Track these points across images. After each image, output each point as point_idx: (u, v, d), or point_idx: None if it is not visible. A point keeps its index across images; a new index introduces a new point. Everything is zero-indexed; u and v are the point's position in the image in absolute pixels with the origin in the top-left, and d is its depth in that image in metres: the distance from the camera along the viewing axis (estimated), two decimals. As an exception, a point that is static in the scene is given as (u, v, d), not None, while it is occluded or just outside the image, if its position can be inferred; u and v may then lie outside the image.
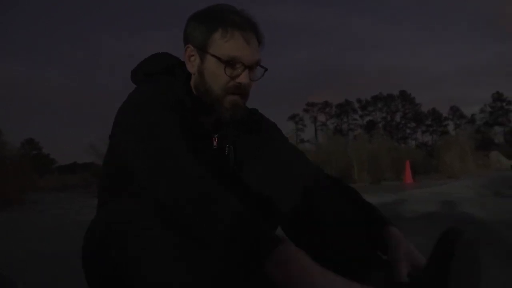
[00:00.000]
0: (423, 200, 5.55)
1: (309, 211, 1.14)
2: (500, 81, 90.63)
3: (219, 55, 1.11)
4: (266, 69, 1.18)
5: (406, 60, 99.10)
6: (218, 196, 0.88)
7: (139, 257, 0.87)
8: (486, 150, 18.48)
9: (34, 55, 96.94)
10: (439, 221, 3.78)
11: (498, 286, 1.13)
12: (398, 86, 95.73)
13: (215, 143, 1.20)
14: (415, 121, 68.58)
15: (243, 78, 1.12)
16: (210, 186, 0.90)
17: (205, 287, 0.83)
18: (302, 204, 1.14)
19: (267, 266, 0.79)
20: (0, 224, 5.33)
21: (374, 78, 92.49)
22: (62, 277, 2.18)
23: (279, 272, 0.79)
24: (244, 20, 1.13)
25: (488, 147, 25.23)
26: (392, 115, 69.57)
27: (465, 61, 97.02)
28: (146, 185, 0.94)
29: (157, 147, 0.96)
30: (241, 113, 1.18)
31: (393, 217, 4.18)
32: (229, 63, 1.11)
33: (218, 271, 0.84)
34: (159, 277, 0.85)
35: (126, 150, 1.01)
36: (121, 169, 1.07)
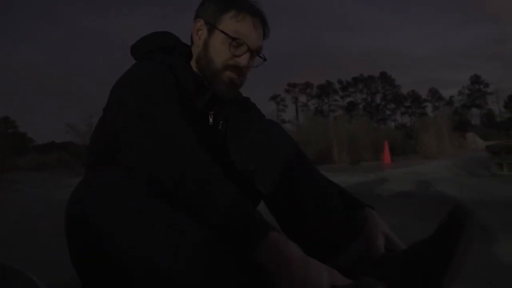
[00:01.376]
0: (400, 180, 5.66)
1: (290, 188, 1.17)
2: (479, 63, 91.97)
3: (227, 31, 1.17)
4: (265, 59, 1.24)
5: (386, 42, 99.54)
6: (213, 178, 0.90)
7: (123, 226, 0.86)
8: (463, 132, 18.82)
9: (6, 31, 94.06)
10: (415, 200, 3.86)
11: (470, 261, 1.19)
12: (379, 67, 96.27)
13: (210, 120, 1.24)
14: (394, 102, 69.26)
15: (243, 59, 1.18)
16: (207, 166, 0.92)
17: (191, 260, 0.82)
18: (284, 181, 1.17)
19: (257, 253, 0.82)
20: (-24, 203, 5.25)
21: (355, 59, 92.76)
22: (42, 255, 2.17)
23: (268, 259, 0.82)
24: (257, 9, 1.20)
25: (465, 129, 25.70)
26: (372, 96, 70.10)
27: (444, 43, 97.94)
28: (142, 161, 0.94)
29: (157, 125, 0.97)
30: (236, 92, 1.25)
31: (371, 196, 4.25)
32: (235, 40, 1.16)
33: (206, 244, 0.84)
34: (143, 250, 0.83)
35: (125, 127, 1.01)
36: (111, 144, 1.06)
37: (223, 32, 1.17)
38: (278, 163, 1.18)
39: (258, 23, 1.20)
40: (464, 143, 15.32)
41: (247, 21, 1.18)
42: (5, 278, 0.88)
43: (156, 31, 1.28)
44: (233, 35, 1.16)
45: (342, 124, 15.38)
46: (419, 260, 0.92)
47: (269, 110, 61.14)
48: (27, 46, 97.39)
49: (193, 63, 1.25)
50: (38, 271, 0.98)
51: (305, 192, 1.15)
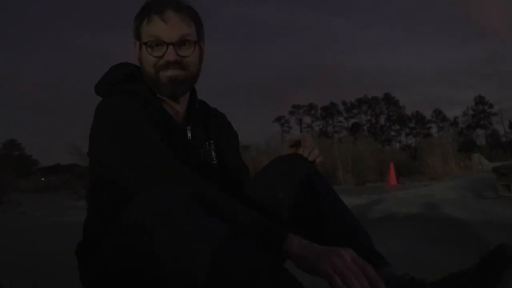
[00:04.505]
0: (406, 201, 5.61)
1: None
2: (479, 81, 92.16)
3: (143, 40, 1.21)
4: (196, 43, 1.24)
5: (387, 61, 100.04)
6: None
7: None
8: (468, 152, 18.72)
9: (10, 52, 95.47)
10: (422, 222, 3.83)
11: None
12: (382, 86, 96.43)
13: (189, 135, 1.29)
14: (399, 123, 69.26)
15: (167, 55, 1.19)
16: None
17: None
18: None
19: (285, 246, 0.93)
20: (-20, 225, 5.24)
21: (359, 80, 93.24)
22: (47, 276, 2.16)
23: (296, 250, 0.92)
24: (164, 4, 1.21)
25: (470, 150, 25.57)
26: (377, 117, 70.19)
27: (449, 61, 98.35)
28: (127, 180, 1.05)
29: (136, 148, 1.07)
30: (182, 89, 1.25)
31: (377, 218, 4.20)
32: (150, 43, 1.19)
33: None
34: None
35: (111, 157, 1.11)
36: (103, 179, 1.17)
37: (142, 43, 1.22)
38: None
39: (168, 15, 1.20)
40: (470, 164, 15.23)
41: (155, 20, 1.19)
42: None
43: (114, 64, 1.31)
44: (146, 39, 1.20)
45: (346, 146, 15.38)
46: None
47: (274, 131, 61.29)
48: (31, 67, 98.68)
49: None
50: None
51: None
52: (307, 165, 1.27)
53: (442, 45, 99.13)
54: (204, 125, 1.36)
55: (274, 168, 1.27)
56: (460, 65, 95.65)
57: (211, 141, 1.36)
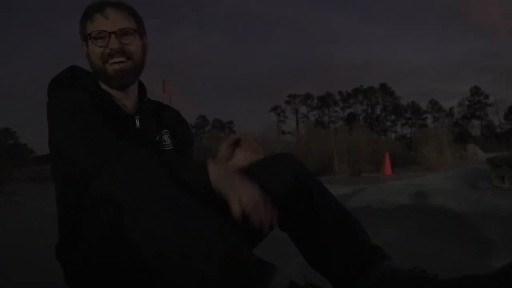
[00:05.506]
0: (401, 192, 5.63)
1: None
2: (475, 75, 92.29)
3: (88, 33, 1.28)
4: (136, 32, 1.31)
5: (384, 53, 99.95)
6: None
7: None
8: (463, 143, 18.80)
9: (4, 43, 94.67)
10: (416, 212, 3.84)
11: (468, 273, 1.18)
12: (378, 78, 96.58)
13: (137, 123, 1.34)
14: (395, 114, 69.36)
15: (112, 43, 1.26)
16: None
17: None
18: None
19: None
20: (-26, 215, 5.22)
21: (354, 70, 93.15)
22: (43, 267, 2.15)
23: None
24: (104, 3, 1.29)
25: (465, 140, 25.68)
26: (373, 107, 70.25)
27: (441, 55, 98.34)
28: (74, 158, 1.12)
29: (83, 133, 1.12)
30: (129, 79, 1.32)
31: (372, 208, 4.22)
32: (94, 35, 1.27)
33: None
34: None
35: (64, 150, 1.18)
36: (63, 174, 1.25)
37: (86, 36, 1.29)
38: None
39: (110, 12, 1.28)
40: (465, 155, 15.29)
41: (97, 17, 1.28)
42: None
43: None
44: (91, 31, 1.27)
45: (342, 136, 15.39)
46: None
47: (270, 121, 61.28)
48: (26, 57, 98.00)
49: (101, 84, 1.34)
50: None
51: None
52: (295, 161, 1.28)
53: (439, 38, 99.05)
54: (158, 116, 1.42)
55: (261, 165, 1.26)
56: (457, 59, 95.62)
57: (167, 130, 1.41)
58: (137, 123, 1.34)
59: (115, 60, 1.27)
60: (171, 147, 1.39)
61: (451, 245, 2.43)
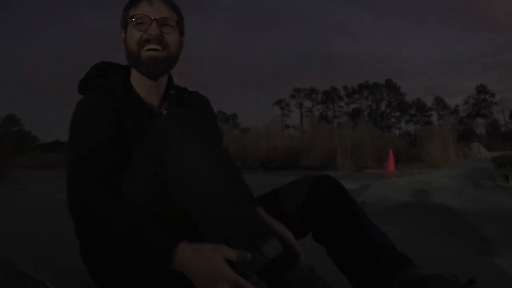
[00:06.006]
0: (404, 188, 5.62)
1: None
2: (481, 72, 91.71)
3: (131, 16, 1.32)
4: (177, 27, 1.35)
5: (393, 49, 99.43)
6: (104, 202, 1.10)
7: None
8: (468, 141, 18.72)
9: (10, 30, 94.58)
10: (419, 210, 3.84)
11: (471, 273, 1.18)
12: (384, 73, 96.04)
13: None
14: (399, 110, 69.09)
15: (152, 30, 1.28)
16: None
17: None
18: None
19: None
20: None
21: (360, 65, 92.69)
22: (50, 253, 2.18)
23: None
24: None
25: (470, 138, 25.58)
26: (378, 103, 69.98)
27: (451, 51, 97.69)
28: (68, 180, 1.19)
29: (76, 155, 1.21)
30: (161, 69, 1.34)
31: (374, 205, 4.21)
32: (136, 19, 1.30)
33: None
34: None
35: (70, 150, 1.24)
36: None
37: (128, 20, 1.32)
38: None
39: (155, 2, 1.32)
40: (469, 153, 15.23)
41: (141, 4, 1.31)
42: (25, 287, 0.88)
43: (94, 64, 1.40)
44: (133, 15, 1.31)
45: (346, 131, 15.36)
46: None
47: (273, 115, 61.16)
48: (32, 44, 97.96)
49: (132, 76, 1.38)
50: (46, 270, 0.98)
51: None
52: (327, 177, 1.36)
53: (446, 34, 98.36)
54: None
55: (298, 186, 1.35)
56: (463, 55, 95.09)
57: None
58: None
59: (151, 46, 1.29)
60: None
61: (453, 244, 2.43)
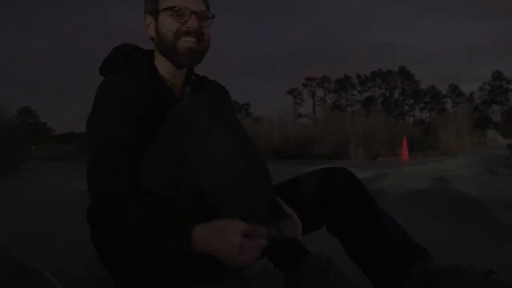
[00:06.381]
0: (417, 177, 5.57)
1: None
2: (497, 59, 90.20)
3: (168, 6, 1.29)
4: (213, 17, 1.35)
5: (404, 36, 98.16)
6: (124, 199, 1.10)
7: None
8: (483, 128, 18.47)
9: (24, 23, 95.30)
10: (432, 198, 3.79)
11: (486, 260, 1.15)
12: (397, 61, 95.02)
13: None
14: (413, 98, 68.40)
15: (191, 22, 1.28)
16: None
17: None
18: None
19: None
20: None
21: (373, 53, 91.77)
22: (60, 245, 2.18)
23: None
24: None
25: (485, 126, 25.24)
26: (391, 91, 69.34)
27: (467, 38, 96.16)
28: (88, 172, 1.18)
29: (98, 145, 1.19)
30: (196, 60, 1.34)
31: (387, 193, 4.17)
32: (176, 8, 1.28)
33: None
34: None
35: (89, 134, 1.23)
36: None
37: (165, 9, 1.29)
38: None
39: None
40: (484, 140, 15.03)
41: None
42: (25, 278, 0.88)
43: (116, 45, 1.38)
44: (171, 4, 1.28)
45: (359, 119, 15.25)
46: None
47: (286, 103, 61.02)
48: (46, 37, 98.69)
49: (157, 61, 1.36)
50: (52, 262, 0.97)
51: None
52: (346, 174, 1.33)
53: (461, 20, 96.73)
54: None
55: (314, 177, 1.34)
56: (479, 42, 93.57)
57: None
58: None
59: (189, 39, 1.29)
60: None
61: (468, 231, 2.39)
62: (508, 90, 62.88)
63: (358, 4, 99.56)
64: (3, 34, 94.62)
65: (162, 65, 1.35)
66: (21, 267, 0.86)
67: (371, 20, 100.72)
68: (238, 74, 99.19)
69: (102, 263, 1.27)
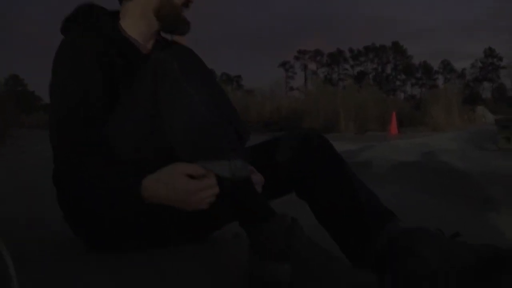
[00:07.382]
0: (405, 150, 5.60)
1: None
2: (490, 35, 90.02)
3: None
4: None
5: (397, 11, 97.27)
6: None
7: None
8: (473, 105, 18.57)
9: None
10: (418, 170, 3.82)
11: (473, 233, 1.16)
12: (390, 36, 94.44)
13: None
14: (405, 73, 68.30)
15: None
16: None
17: None
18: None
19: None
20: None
21: (366, 27, 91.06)
22: (49, 212, 2.17)
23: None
24: None
25: (475, 102, 25.37)
26: (383, 66, 69.13)
27: (460, 14, 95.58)
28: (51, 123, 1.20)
29: (61, 97, 1.19)
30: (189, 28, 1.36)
31: (372, 165, 4.19)
32: None
33: None
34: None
35: (52, 91, 1.22)
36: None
37: None
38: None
39: None
40: (473, 117, 15.15)
41: None
42: None
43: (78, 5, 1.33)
44: None
45: (350, 94, 15.23)
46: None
47: (278, 76, 60.67)
48: (37, 4, 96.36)
49: (126, 22, 1.31)
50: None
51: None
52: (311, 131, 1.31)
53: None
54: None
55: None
56: (472, 18, 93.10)
57: None
58: None
59: (185, 12, 1.32)
60: None
61: (455, 205, 2.40)
62: (500, 68, 62.98)
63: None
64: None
65: (133, 27, 1.31)
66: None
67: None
68: (229, 47, 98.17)
69: (69, 224, 1.27)
